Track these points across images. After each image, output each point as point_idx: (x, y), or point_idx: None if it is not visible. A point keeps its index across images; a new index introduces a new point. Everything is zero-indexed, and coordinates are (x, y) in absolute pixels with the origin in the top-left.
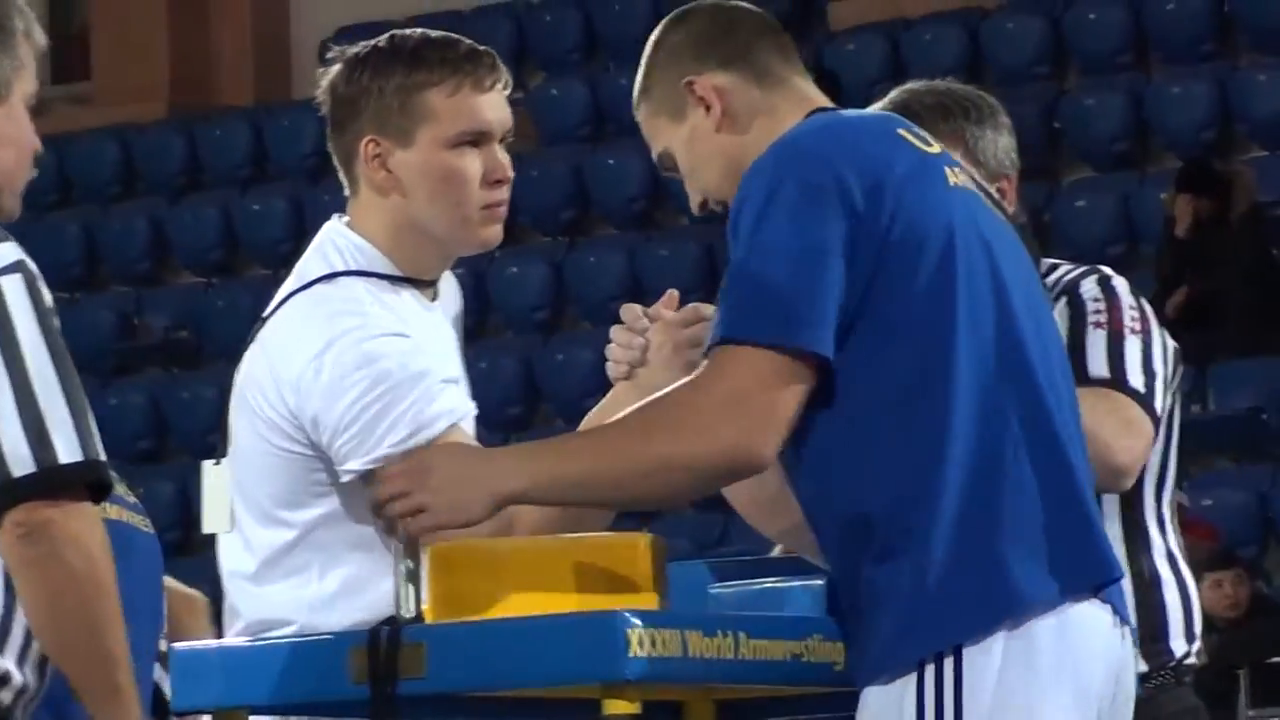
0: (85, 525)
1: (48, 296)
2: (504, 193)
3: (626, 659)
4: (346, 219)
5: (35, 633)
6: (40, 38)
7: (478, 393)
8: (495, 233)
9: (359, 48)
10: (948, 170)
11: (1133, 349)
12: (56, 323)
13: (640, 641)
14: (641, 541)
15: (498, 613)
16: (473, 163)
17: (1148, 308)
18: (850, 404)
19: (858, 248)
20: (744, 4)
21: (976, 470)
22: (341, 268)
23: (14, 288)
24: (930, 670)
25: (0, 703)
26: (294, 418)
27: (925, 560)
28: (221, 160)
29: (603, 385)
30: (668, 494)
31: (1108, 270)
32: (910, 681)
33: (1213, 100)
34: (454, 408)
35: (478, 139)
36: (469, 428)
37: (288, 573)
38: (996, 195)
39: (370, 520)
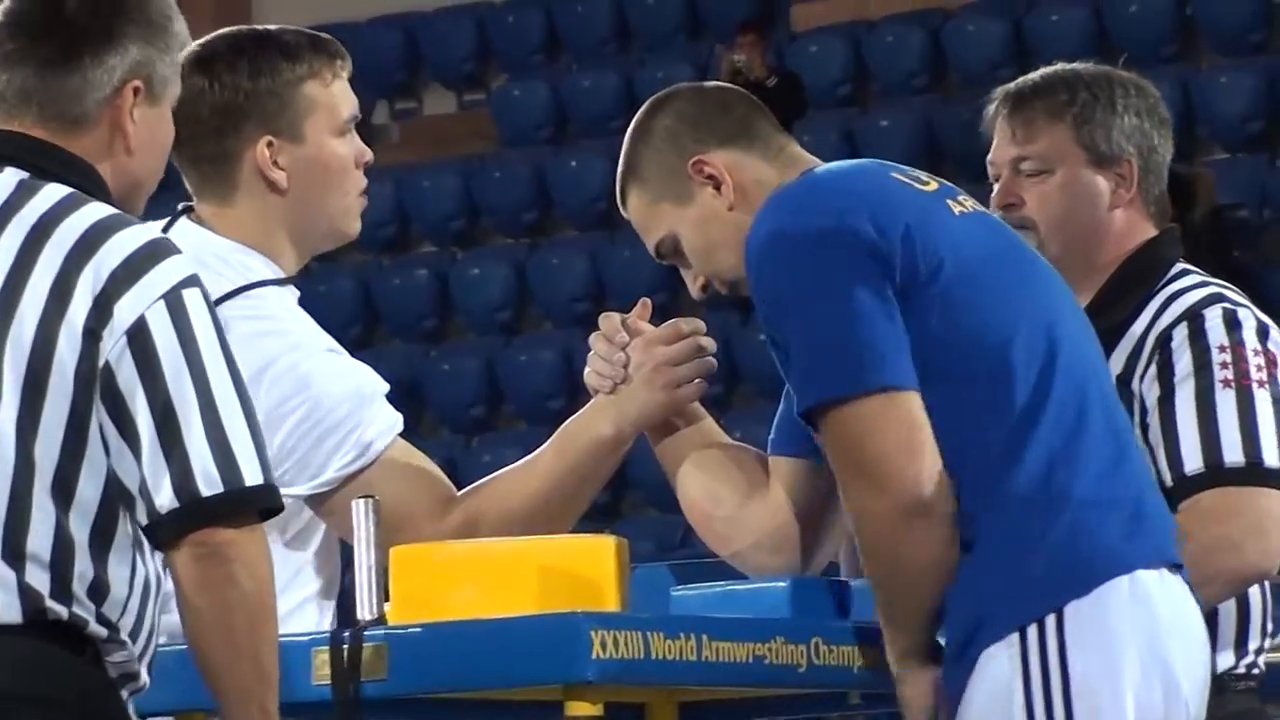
0: (260, 548)
1: (215, 311)
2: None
3: (589, 660)
4: (194, 224)
5: (198, 650)
6: (188, 38)
7: (440, 394)
8: (359, 225)
9: (198, 51)
10: (950, 203)
11: (1264, 410)
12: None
13: (603, 643)
14: (604, 544)
15: (460, 614)
16: (352, 148)
17: (1274, 338)
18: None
19: (886, 284)
20: (721, 83)
21: (1042, 456)
22: (240, 282)
23: (196, 301)
24: (1033, 632)
25: (123, 699)
26: None
27: (1011, 534)
28: None
29: (565, 386)
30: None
31: (1233, 296)
32: (1014, 646)
33: (1175, 102)
34: (394, 423)
35: (352, 124)
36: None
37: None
38: (1114, 181)
39: (280, 535)
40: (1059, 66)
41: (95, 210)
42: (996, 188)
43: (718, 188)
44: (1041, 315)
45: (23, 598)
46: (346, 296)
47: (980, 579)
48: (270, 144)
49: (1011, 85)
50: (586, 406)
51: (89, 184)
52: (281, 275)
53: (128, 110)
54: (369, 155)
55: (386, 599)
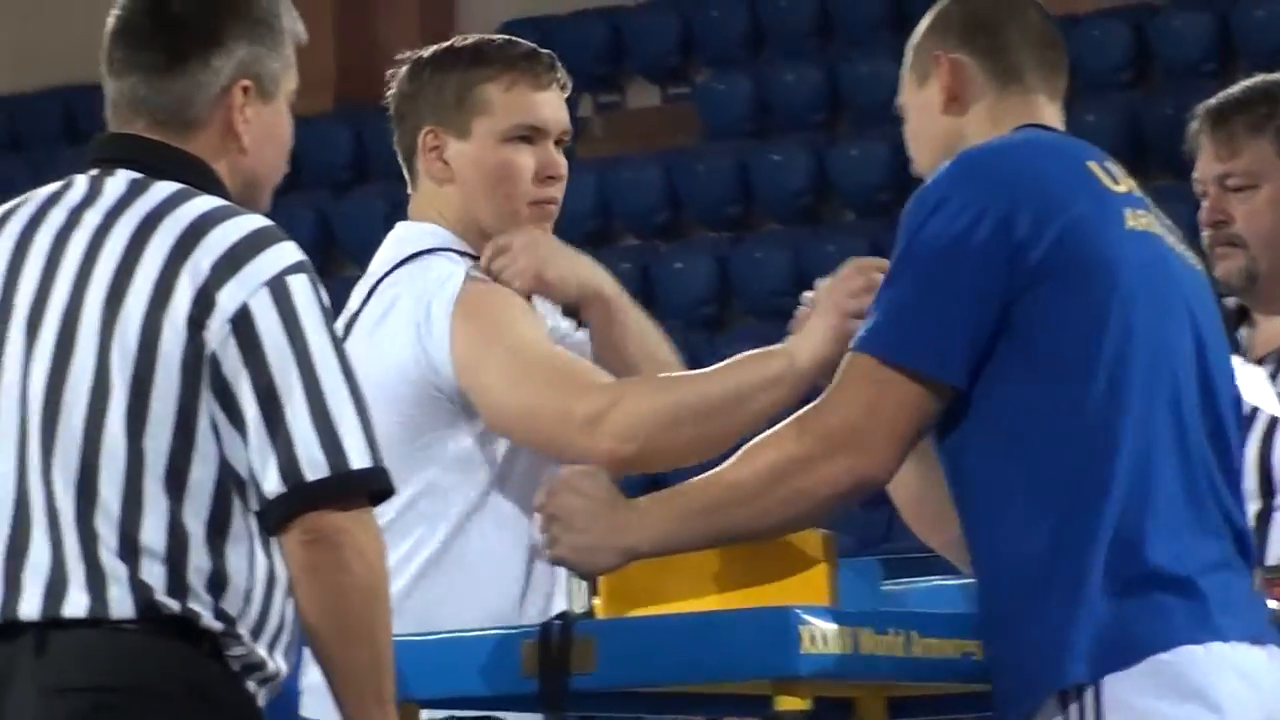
0: (371, 533)
1: (325, 297)
2: (554, 190)
3: (799, 655)
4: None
5: (312, 636)
6: (302, 32)
7: None
8: (543, 230)
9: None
10: (1128, 212)
11: None
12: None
13: (812, 638)
14: (814, 538)
15: (669, 608)
16: (525, 158)
17: None
18: (1006, 432)
19: (1013, 277)
20: (1038, 6)
21: (1134, 510)
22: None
23: (302, 287)
24: (1074, 705)
25: (248, 689)
26: (431, 379)
27: (1077, 595)
28: (389, 153)
29: None
30: (795, 525)
31: None
32: (1053, 712)
33: None
34: None
35: (531, 135)
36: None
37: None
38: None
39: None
40: (1259, 79)
41: (203, 202)
42: (1204, 205)
43: (943, 88)
44: (1168, 363)
45: (135, 592)
46: None
47: (1041, 627)
48: (433, 134)
49: (1213, 101)
50: None
51: (201, 179)
52: (468, 250)
53: (239, 109)
54: (553, 170)
55: (595, 593)
